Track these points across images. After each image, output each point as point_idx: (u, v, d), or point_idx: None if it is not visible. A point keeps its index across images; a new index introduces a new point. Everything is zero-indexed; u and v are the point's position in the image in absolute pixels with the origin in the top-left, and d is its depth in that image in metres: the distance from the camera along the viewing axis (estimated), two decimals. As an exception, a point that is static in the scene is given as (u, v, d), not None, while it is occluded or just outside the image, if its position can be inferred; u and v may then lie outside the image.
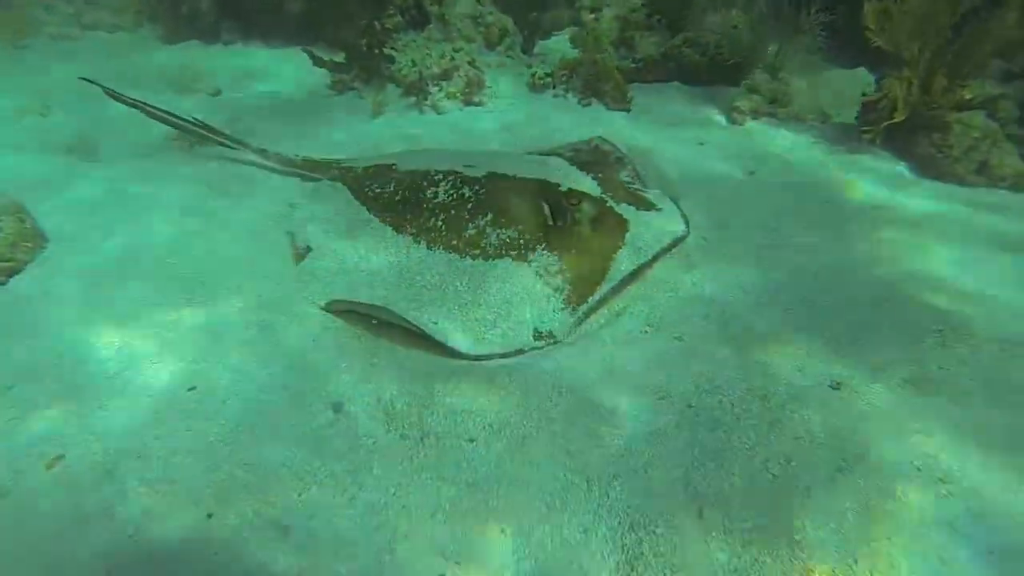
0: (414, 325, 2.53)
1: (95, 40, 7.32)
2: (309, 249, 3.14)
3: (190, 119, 4.12)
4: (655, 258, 2.88)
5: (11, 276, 2.85)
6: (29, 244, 2.95)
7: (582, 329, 2.67)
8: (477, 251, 2.86)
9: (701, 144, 4.23)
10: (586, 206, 2.89)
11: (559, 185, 3.02)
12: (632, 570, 1.74)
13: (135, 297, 2.74)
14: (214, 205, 3.56)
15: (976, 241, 3.17)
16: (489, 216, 2.94)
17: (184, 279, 2.87)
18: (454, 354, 2.50)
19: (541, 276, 2.75)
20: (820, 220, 3.38)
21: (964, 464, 1.96)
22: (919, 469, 1.95)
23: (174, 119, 4.16)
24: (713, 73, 5.21)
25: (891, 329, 2.53)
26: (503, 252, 2.84)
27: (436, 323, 2.57)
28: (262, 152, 4.04)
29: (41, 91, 5.30)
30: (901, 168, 4.06)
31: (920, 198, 3.64)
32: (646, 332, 2.62)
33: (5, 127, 4.72)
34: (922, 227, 3.29)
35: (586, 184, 3.13)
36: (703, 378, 2.34)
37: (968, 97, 4.12)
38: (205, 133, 4.12)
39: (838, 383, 2.29)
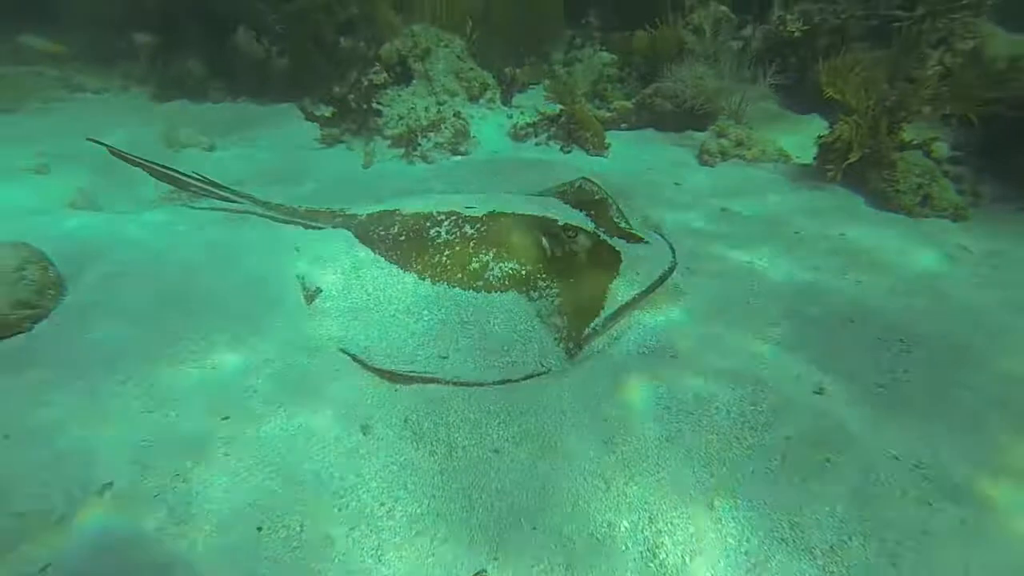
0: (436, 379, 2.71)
1: (84, 102, 7.49)
2: (319, 290, 3.31)
3: (192, 175, 4.27)
4: (651, 288, 3.13)
5: (37, 322, 2.94)
6: (52, 291, 3.06)
7: (584, 352, 2.88)
8: (480, 283, 3.08)
9: (677, 184, 4.59)
10: (582, 238, 3.15)
11: (556, 220, 3.29)
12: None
13: (158, 338, 2.86)
14: (220, 253, 3.72)
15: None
16: (492, 251, 3.18)
17: (203, 323, 2.98)
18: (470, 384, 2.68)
19: (542, 306, 2.98)
20: (792, 245, 3.72)
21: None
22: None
23: (176, 175, 4.29)
24: (682, 120, 5.67)
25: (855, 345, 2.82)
26: (506, 284, 3.07)
27: (446, 357, 2.77)
28: (265, 204, 4.21)
29: (38, 152, 5.43)
30: (858, 200, 4.49)
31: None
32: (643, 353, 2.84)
33: (9, 186, 4.81)
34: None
35: (580, 219, 3.41)
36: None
37: (908, 139, 4.63)
38: (208, 188, 4.27)
39: (821, 387, 2.56)
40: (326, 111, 6.01)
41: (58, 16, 8.59)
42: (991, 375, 2.62)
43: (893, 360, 2.70)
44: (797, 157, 5.32)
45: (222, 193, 4.26)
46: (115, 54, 7.98)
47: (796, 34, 5.98)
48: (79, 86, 7.97)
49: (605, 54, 7.60)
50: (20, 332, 2.88)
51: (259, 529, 2.03)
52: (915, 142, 4.69)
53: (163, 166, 4.30)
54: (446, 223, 3.40)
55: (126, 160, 4.36)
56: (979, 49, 5.51)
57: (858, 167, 4.51)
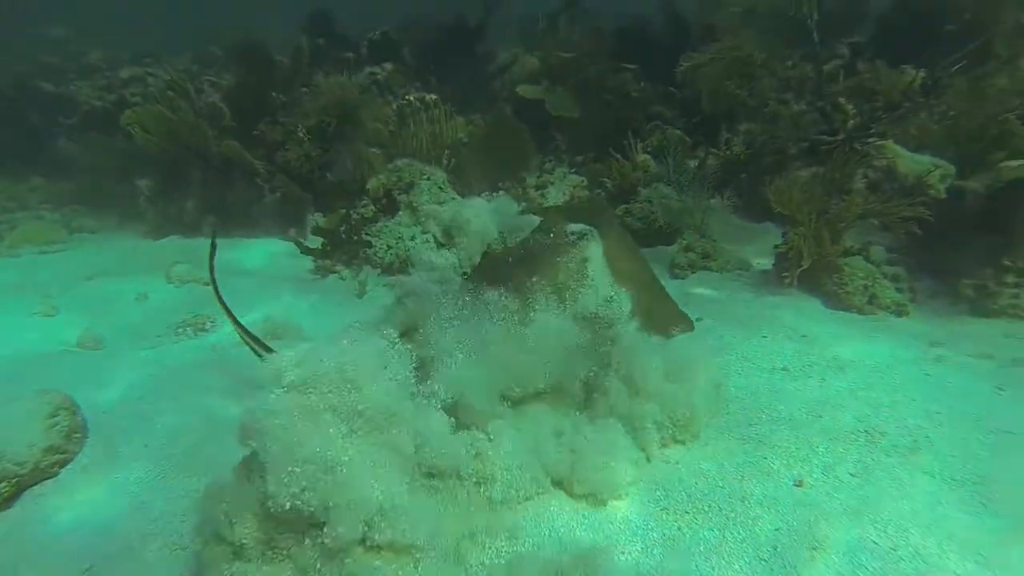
0: None
1: (82, 241, 7.87)
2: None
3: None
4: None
5: (64, 467, 3.07)
6: (79, 435, 3.21)
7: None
8: None
9: (653, 297, 5.03)
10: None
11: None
12: None
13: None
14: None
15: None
16: None
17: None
18: None
19: None
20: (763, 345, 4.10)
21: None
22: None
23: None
24: (652, 237, 6.25)
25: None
26: None
27: None
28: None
29: (44, 295, 5.67)
30: (816, 301, 4.98)
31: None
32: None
33: (22, 329, 5.00)
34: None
35: None
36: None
37: (849, 246, 5.23)
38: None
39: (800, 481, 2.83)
40: (316, 243, 6.45)
41: (64, 163, 9.17)
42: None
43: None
44: (757, 264, 5.88)
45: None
46: (114, 198, 8.48)
47: (742, 156, 6.78)
48: (78, 227, 8.39)
49: (575, 176, 8.38)
50: (49, 478, 3.00)
51: None
52: (855, 247, 5.29)
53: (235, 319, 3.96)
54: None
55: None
56: (891, 167, 6.36)
57: (811, 272, 5.04)
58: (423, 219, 6.95)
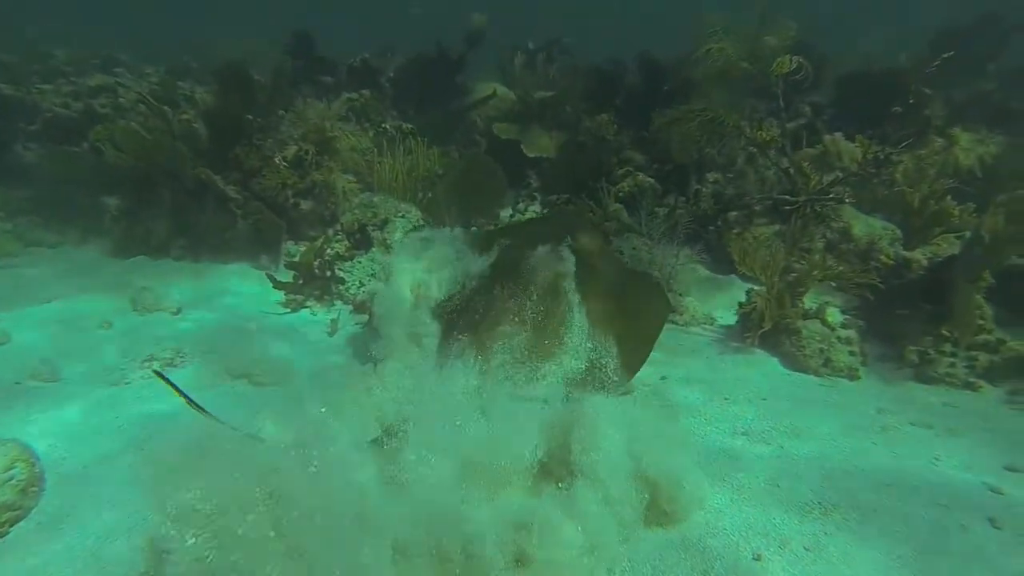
0: None
1: (39, 257, 7.58)
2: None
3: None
4: None
5: (14, 525, 2.96)
6: (35, 488, 3.11)
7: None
8: None
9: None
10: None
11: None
12: None
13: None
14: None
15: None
16: None
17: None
18: None
19: None
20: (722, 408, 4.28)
21: None
22: None
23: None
24: (620, 287, 6.42)
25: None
26: None
27: None
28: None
29: (-4, 320, 5.46)
30: (775, 362, 5.22)
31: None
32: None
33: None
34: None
35: None
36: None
37: (808, 306, 5.52)
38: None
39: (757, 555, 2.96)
40: (287, 276, 6.41)
41: (20, 170, 8.84)
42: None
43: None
44: (720, 318, 6.13)
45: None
46: (77, 211, 8.22)
47: (709, 212, 7.07)
48: (34, 240, 8.08)
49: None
50: None
51: None
52: (814, 309, 5.58)
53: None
54: None
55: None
56: (847, 228, 6.76)
57: (771, 333, 5.30)
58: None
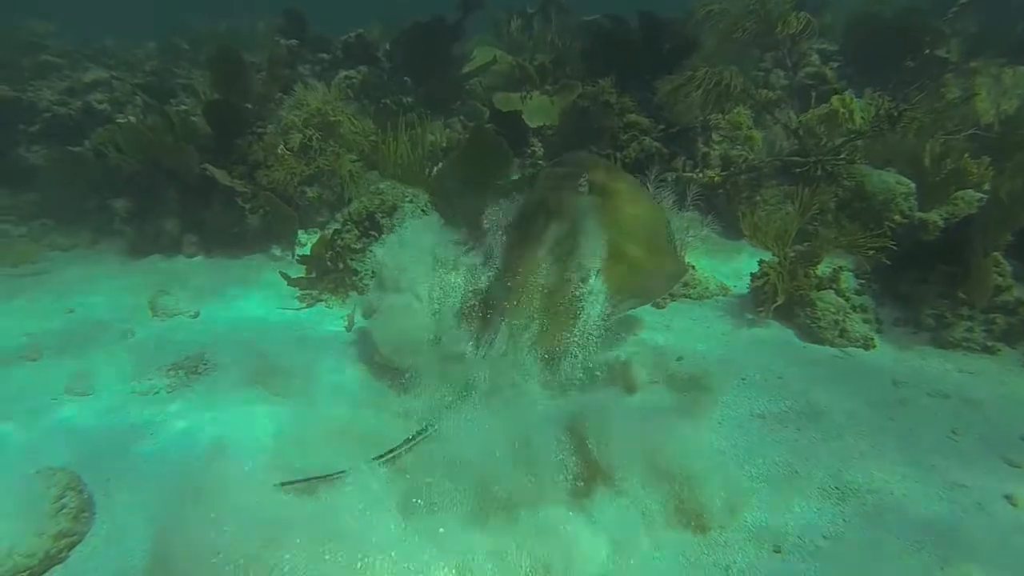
0: None
1: (55, 262, 7.66)
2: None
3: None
4: None
5: (72, 549, 3.14)
6: (86, 514, 3.27)
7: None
8: None
9: (636, 334, 5.21)
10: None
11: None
12: None
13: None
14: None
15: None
16: None
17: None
18: None
19: None
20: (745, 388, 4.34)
21: None
22: None
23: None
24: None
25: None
26: None
27: None
28: None
29: (25, 332, 5.60)
30: (790, 334, 5.25)
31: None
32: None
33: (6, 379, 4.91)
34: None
35: None
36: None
37: (822, 274, 5.48)
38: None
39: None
40: (300, 272, 6.45)
41: (26, 173, 8.85)
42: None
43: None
44: (734, 287, 6.11)
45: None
46: (85, 213, 8.26)
47: (716, 179, 6.96)
48: (49, 243, 8.17)
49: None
50: (58, 564, 3.07)
51: None
52: (827, 275, 5.54)
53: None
54: None
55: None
56: (860, 186, 6.63)
57: (785, 305, 5.30)
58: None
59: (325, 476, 3.08)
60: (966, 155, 5.70)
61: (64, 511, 3.15)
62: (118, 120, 8.30)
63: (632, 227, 4.43)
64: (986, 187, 5.80)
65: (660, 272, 4.38)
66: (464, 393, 3.75)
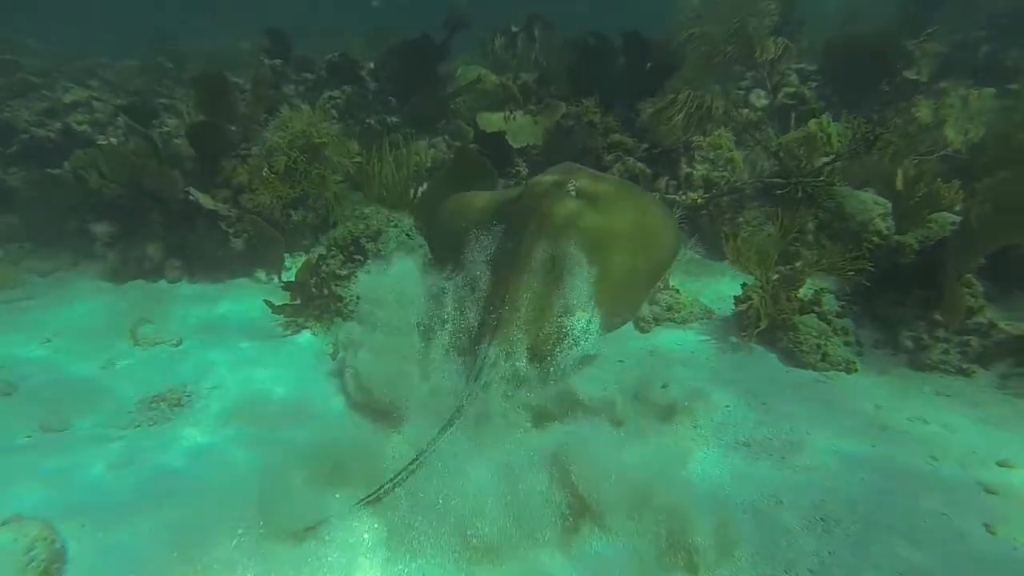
0: None
1: (35, 287, 7.53)
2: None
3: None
4: None
5: (43, 604, 3.05)
6: (57, 565, 3.17)
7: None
8: None
9: (621, 361, 5.22)
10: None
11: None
12: None
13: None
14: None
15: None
16: None
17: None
18: None
19: None
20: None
21: None
22: None
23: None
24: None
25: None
26: None
27: None
28: None
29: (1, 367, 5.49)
30: (773, 359, 5.32)
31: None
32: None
33: None
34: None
35: None
36: None
37: (804, 296, 5.56)
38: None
39: None
40: (285, 298, 6.41)
41: (5, 195, 8.71)
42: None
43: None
44: (717, 310, 6.17)
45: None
46: (66, 236, 8.15)
47: (699, 201, 7.05)
48: (28, 267, 8.04)
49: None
50: (24, 619, 2.98)
51: None
52: (809, 298, 5.62)
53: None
54: None
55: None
56: (840, 207, 6.75)
57: (768, 329, 5.37)
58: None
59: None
60: (938, 179, 5.82)
61: (33, 564, 3.05)
62: (99, 142, 8.21)
63: (619, 238, 4.57)
64: (958, 209, 5.93)
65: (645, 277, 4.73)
66: (447, 428, 3.73)
